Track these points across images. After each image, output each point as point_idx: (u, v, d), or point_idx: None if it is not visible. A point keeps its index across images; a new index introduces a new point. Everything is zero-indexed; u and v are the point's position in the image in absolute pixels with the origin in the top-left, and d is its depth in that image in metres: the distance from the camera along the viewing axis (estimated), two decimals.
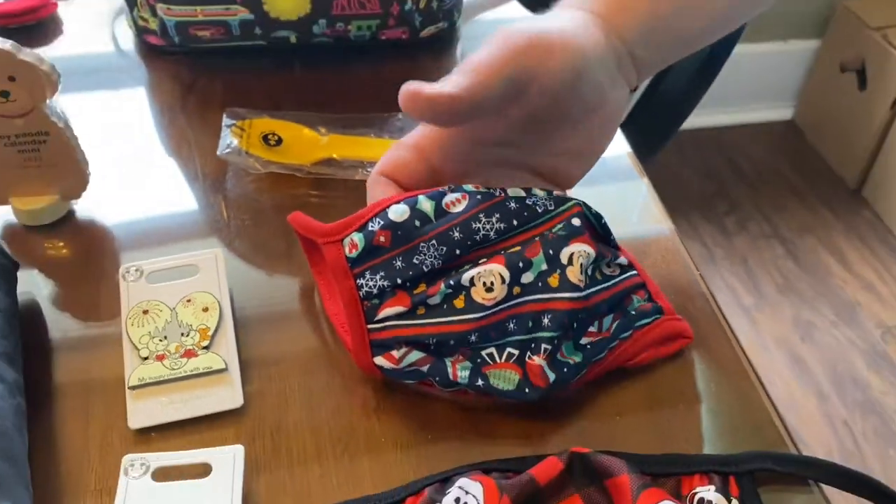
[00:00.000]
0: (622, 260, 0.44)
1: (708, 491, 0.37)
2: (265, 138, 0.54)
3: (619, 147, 0.57)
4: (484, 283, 0.39)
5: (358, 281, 0.40)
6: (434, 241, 0.40)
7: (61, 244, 0.50)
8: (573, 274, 0.39)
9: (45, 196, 0.50)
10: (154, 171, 0.55)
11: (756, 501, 0.37)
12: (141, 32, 0.62)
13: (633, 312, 0.43)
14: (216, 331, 0.43)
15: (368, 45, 0.62)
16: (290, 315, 0.46)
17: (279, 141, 0.54)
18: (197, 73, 0.62)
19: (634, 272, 0.44)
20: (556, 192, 0.43)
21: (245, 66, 0.62)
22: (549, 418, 0.41)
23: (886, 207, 1.72)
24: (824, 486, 0.39)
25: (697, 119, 1.88)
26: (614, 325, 0.42)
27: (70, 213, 0.51)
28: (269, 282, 0.48)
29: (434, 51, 0.65)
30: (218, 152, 0.53)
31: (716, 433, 0.41)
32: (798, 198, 1.79)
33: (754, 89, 1.90)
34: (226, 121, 0.55)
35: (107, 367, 0.43)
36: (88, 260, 0.49)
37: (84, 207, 0.52)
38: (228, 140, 0.54)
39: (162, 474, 0.38)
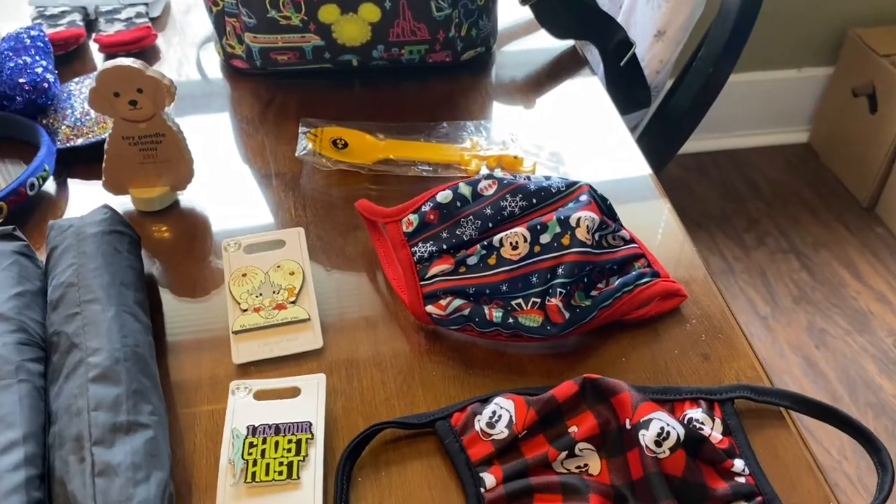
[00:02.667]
0: (624, 234, 0.53)
1: (696, 412, 0.45)
2: (334, 143, 0.63)
3: (640, 168, 0.64)
4: (511, 243, 0.49)
5: (412, 249, 0.51)
6: (471, 217, 0.50)
7: (169, 227, 0.59)
8: (581, 233, 0.48)
9: (158, 187, 0.59)
10: (242, 169, 0.64)
11: (736, 421, 0.45)
12: (228, 57, 0.72)
13: (635, 273, 0.51)
14: (300, 290, 0.52)
15: (417, 66, 0.72)
16: (357, 279, 0.55)
17: (345, 145, 0.64)
18: (274, 91, 0.72)
19: (635, 245, 0.53)
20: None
21: (314, 84, 0.72)
22: (566, 359, 0.50)
23: None
24: (794, 414, 0.47)
25: (718, 142, 1.95)
26: (618, 282, 0.50)
27: (176, 202, 0.61)
28: (340, 253, 0.57)
29: (473, 71, 0.74)
30: (296, 154, 0.63)
31: (705, 376, 0.49)
32: (813, 215, 1.84)
33: (771, 114, 1.96)
34: (301, 129, 0.65)
35: (214, 319, 0.52)
36: (193, 239, 0.59)
37: (187, 198, 0.61)
38: (304, 144, 0.63)
39: (261, 395, 0.47)
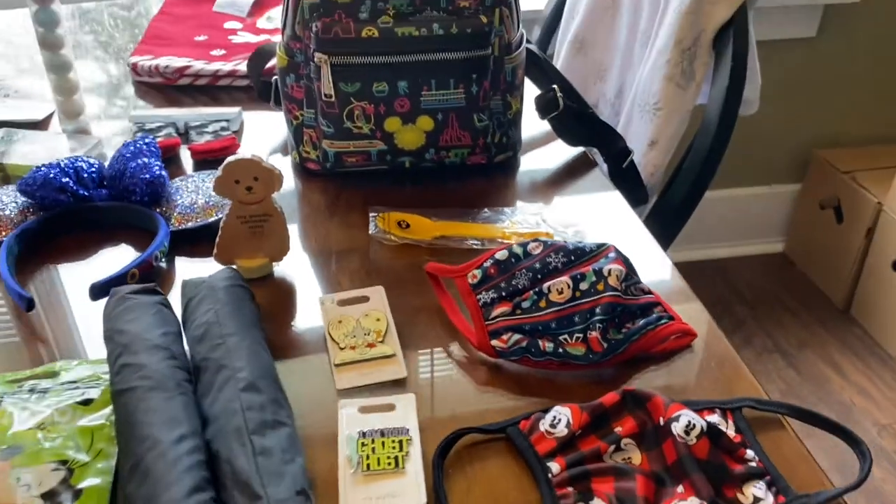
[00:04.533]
0: (643, 286, 0.65)
1: (713, 417, 0.56)
2: (398, 223, 0.77)
3: (650, 244, 0.76)
4: (557, 290, 0.61)
5: (478, 297, 0.63)
6: (524, 270, 0.63)
7: (267, 290, 0.71)
8: (612, 281, 0.61)
9: (258, 259, 0.72)
10: (322, 246, 0.76)
11: (745, 423, 0.56)
12: (303, 161, 0.87)
13: (655, 315, 0.63)
14: (386, 332, 0.64)
15: (458, 166, 0.85)
16: (428, 326, 0.67)
17: (407, 225, 0.77)
18: (340, 188, 0.85)
19: (652, 295, 0.66)
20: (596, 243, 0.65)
21: (372, 183, 0.85)
22: (605, 385, 0.61)
23: (873, 324, 1.91)
24: (790, 420, 0.58)
25: (703, 252, 2.11)
26: (642, 321, 0.62)
27: (272, 272, 0.73)
28: (411, 307, 0.68)
29: (503, 171, 0.89)
30: (369, 232, 0.76)
31: (714, 394, 0.60)
32: (795, 317, 1.98)
33: (748, 227, 2.13)
34: (371, 213, 0.78)
35: (315, 358, 0.64)
36: (288, 298, 0.70)
37: (280, 269, 0.73)
38: (374, 225, 0.77)
39: (364, 410, 0.58)
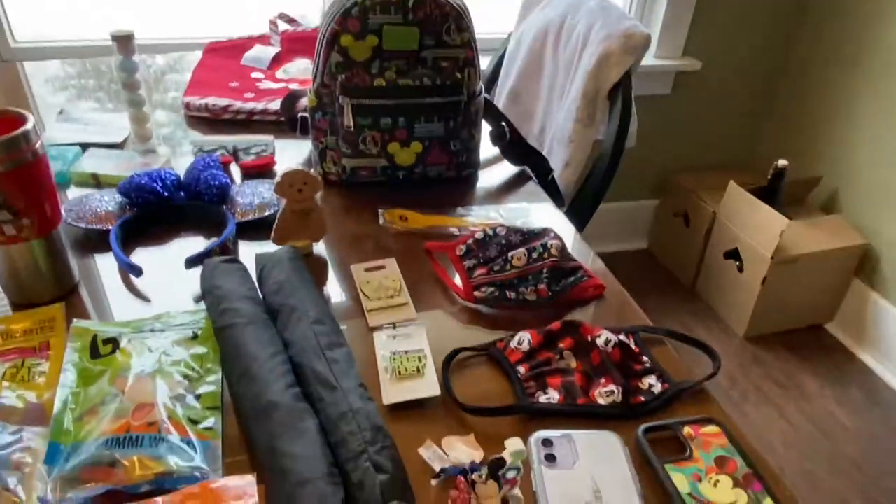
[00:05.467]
0: (571, 256, 0.75)
1: (621, 336, 0.65)
2: (400, 217, 0.83)
3: (569, 229, 0.84)
4: (517, 258, 0.69)
5: (464, 263, 0.71)
6: (494, 245, 0.71)
7: (310, 263, 0.76)
8: (554, 251, 0.69)
9: (304, 240, 0.77)
10: (343, 235, 0.82)
11: (640, 341, 0.65)
12: (325, 175, 0.93)
13: (580, 274, 0.73)
14: (400, 289, 0.70)
15: (437, 179, 0.91)
16: (426, 284, 0.72)
17: (406, 218, 0.84)
18: (353, 194, 0.90)
19: (577, 261, 0.75)
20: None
21: (376, 189, 0.91)
22: (550, 320, 0.67)
23: (711, 297, 2.06)
24: (668, 340, 0.68)
25: (593, 247, 2.21)
26: (572, 278, 0.72)
27: (311, 251, 0.78)
28: (413, 272, 0.74)
29: (468, 182, 0.95)
30: (380, 223, 0.82)
31: (620, 323, 0.70)
32: (657, 294, 2.12)
33: (618, 231, 2.24)
34: (380, 210, 0.84)
35: (352, 306, 0.69)
36: (325, 269, 0.75)
37: (317, 249, 0.79)
38: (382, 218, 0.83)
39: (390, 338, 0.65)
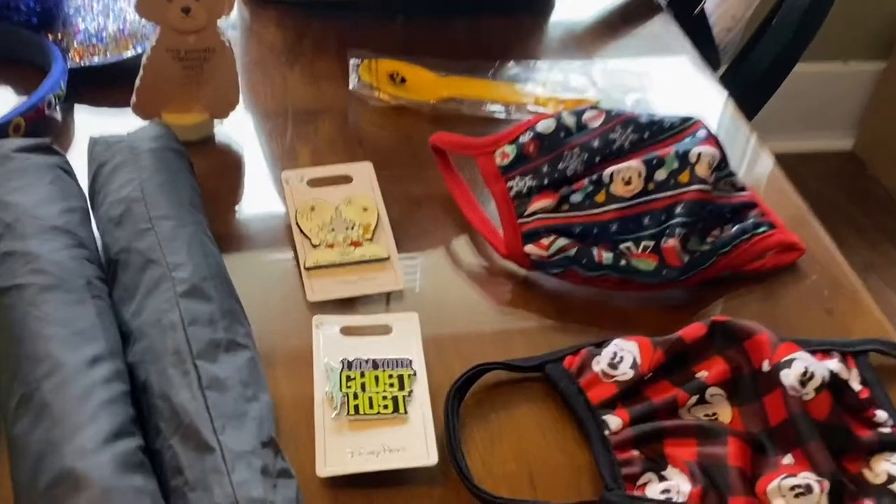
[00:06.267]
0: (737, 180, 0.61)
1: (831, 363, 0.52)
2: (391, 77, 0.72)
3: (738, 123, 0.75)
4: (623, 178, 0.57)
5: (508, 183, 0.59)
6: (577, 149, 0.58)
7: (207, 160, 0.65)
8: (701, 170, 0.56)
9: (195, 113, 0.66)
10: (280, 105, 0.72)
11: (872, 374, 0.53)
12: None
13: (752, 222, 0.59)
14: (376, 227, 0.60)
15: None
16: (432, 221, 0.63)
17: (403, 80, 0.72)
18: (304, 23, 0.80)
19: (748, 193, 0.61)
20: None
21: (350, 17, 0.81)
22: (677, 312, 0.57)
23: None
24: None
25: None
26: (735, 229, 0.58)
27: (212, 136, 0.68)
28: (407, 195, 0.64)
29: (533, 10, 0.84)
30: (350, 87, 0.72)
31: (830, 331, 0.57)
32: (860, 235, 1.98)
33: (810, 115, 2.10)
34: (352, 60, 0.73)
35: (275, 255, 0.59)
36: (237, 173, 0.66)
37: (224, 132, 0.69)
38: (356, 77, 0.72)
39: (348, 331, 0.53)
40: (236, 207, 0.64)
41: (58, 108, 0.67)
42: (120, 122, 0.65)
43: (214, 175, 0.65)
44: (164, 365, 0.46)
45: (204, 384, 0.45)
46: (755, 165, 0.71)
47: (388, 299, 0.57)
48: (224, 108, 0.67)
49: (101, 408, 0.44)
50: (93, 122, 0.69)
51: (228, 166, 0.67)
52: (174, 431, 0.44)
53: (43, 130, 0.65)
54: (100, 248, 0.54)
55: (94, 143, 0.59)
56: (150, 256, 0.50)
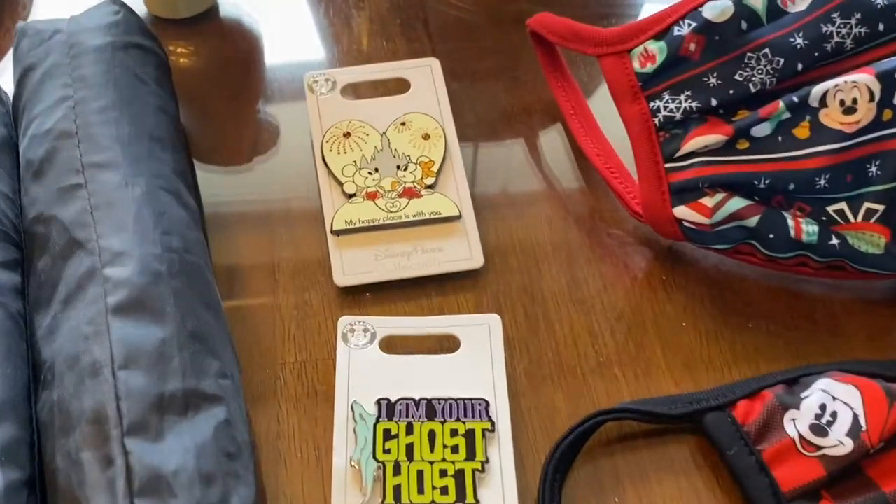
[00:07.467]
0: None
1: None
2: None
3: None
4: (842, 102, 0.39)
5: (652, 104, 0.41)
6: (767, 51, 0.40)
7: (203, 47, 0.51)
8: None
9: None
10: None
11: None
12: None
13: None
14: (441, 165, 0.43)
15: None
16: (529, 154, 0.46)
17: None
18: None
19: None
20: None
21: None
22: None
23: None
24: None
25: None
26: None
27: (214, 8, 0.52)
28: (494, 107, 0.48)
29: None
30: None
31: None
32: None
33: None
34: None
35: (294, 205, 0.43)
36: (245, 68, 0.49)
37: (230, 2, 0.52)
38: None
39: (391, 344, 0.37)
40: (234, 127, 0.47)
41: None
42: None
43: (212, 72, 0.50)
44: (76, 442, 0.29)
45: (135, 487, 0.27)
46: None
47: (453, 286, 0.40)
48: None
49: None
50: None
51: (235, 59, 0.50)
52: None
53: None
54: (20, 209, 0.37)
55: (21, 35, 0.42)
56: (77, 235, 0.33)
